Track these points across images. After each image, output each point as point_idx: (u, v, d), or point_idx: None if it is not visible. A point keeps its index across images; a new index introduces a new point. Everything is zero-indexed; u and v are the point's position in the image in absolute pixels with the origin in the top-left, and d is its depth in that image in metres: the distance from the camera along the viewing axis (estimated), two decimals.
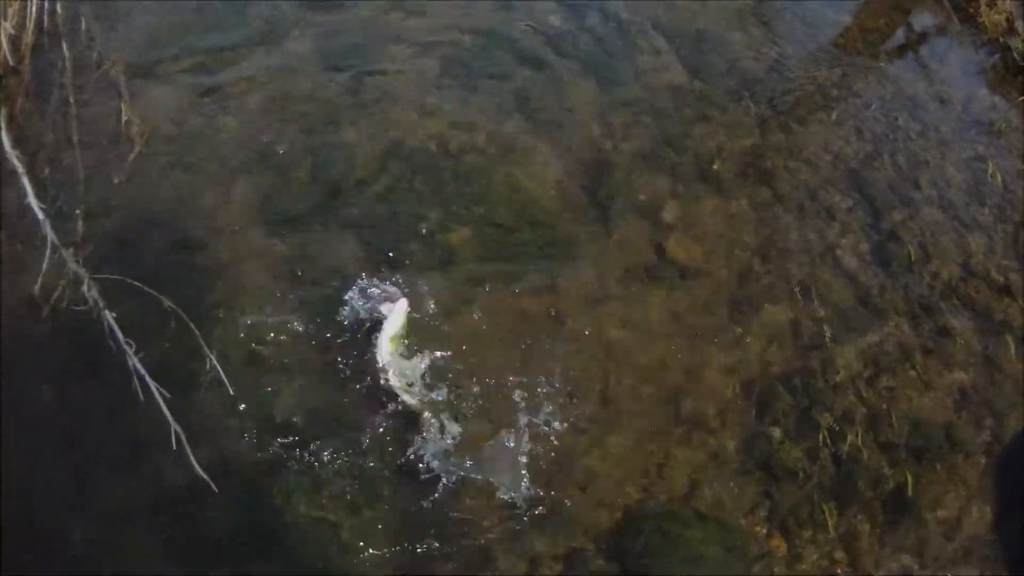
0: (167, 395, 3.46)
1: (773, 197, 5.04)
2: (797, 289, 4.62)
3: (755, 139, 5.38)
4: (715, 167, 5.08)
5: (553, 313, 4.31)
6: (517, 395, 3.97)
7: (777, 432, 4.13)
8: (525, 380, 4.04)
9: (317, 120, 4.97)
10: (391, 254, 4.34)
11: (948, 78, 6.41)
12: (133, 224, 4.34)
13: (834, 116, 5.70)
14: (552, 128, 5.14)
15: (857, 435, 4.15)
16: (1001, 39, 7.22)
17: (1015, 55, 7.04)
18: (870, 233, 5.03)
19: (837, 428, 4.18)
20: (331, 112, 5.02)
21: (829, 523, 3.92)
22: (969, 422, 4.42)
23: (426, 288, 4.23)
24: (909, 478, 4.08)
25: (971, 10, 7.26)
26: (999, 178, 5.68)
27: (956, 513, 4.10)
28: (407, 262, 4.34)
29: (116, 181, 4.52)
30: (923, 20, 7.03)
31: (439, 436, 3.77)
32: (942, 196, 5.40)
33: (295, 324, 4.05)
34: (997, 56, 6.85)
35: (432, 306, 4.18)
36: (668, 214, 4.76)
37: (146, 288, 3.71)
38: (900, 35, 6.89)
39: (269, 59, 5.25)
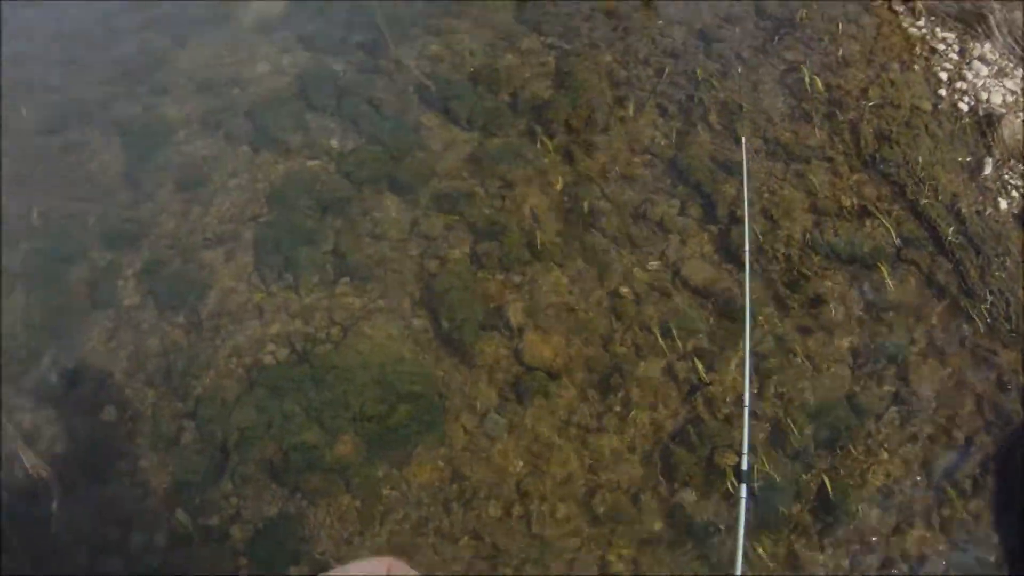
0: None
1: (604, 239, 5.82)
2: (658, 332, 5.43)
3: (566, 178, 6.13)
4: (538, 236, 5.82)
5: (452, 475, 5.13)
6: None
7: (691, 494, 5.03)
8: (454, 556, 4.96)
9: (171, 372, 5.70)
10: (299, 496, 5.19)
11: None
12: None
13: (631, 107, 6.43)
14: (375, 271, 5.86)
15: (762, 459, 5.01)
16: None
17: None
18: (709, 227, 5.82)
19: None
20: (188, 357, 5.72)
21: (764, 557, 4.85)
22: (870, 382, 5.31)
23: (344, 511, 5.08)
24: (825, 479, 5.01)
25: None
26: (818, 82, 6.47)
27: (883, 480, 5.03)
28: (313, 493, 5.15)
29: None
30: None
31: None
32: (767, 137, 6.19)
33: None
34: None
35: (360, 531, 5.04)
36: (514, 315, 5.53)
37: None
38: None
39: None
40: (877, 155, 6.20)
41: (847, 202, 5.96)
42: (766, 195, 5.95)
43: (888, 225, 5.83)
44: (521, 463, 5.16)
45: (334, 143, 6.61)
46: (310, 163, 6.47)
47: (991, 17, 7.11)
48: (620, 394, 5.32)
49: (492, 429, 5.24)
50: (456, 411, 5.33)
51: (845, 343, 5.46)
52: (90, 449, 5.53)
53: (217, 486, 5.27)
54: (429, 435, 5.25)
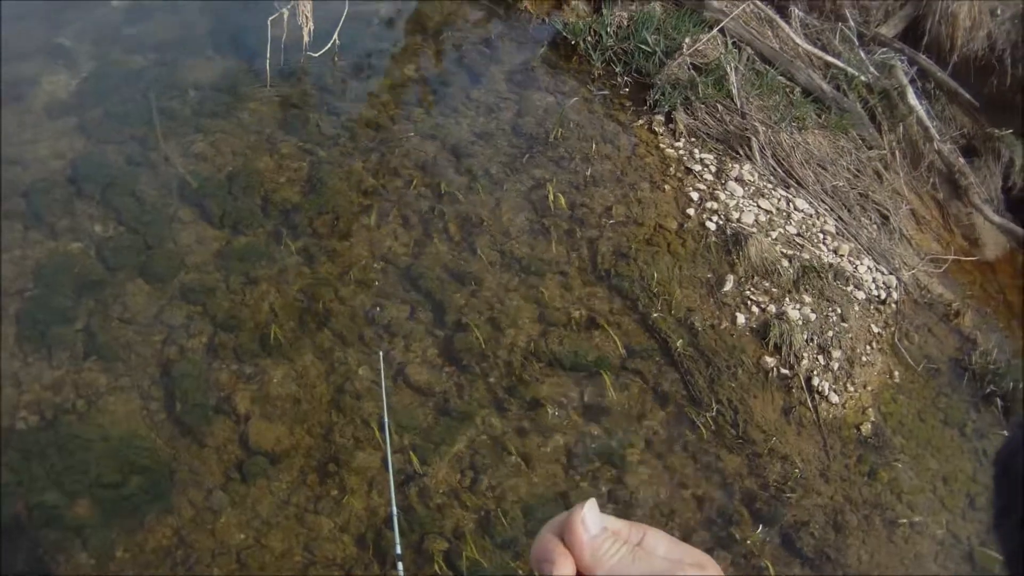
0: None
1: (334, 339, 7.37)
2: (375, 427, 6.90)
3: (304, 280, 7.72)
4: (273, 331, 7.34)
5: (179, 542, 6.45)
6: None
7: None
8: None
9: None
10: (40, 549, 6.41)
11: (493, 101, 8.99)
12: None
13: (373, 216, 8.10)
14: (121, 352, 7.28)
15: (471, 546, 6.44)
16: (547, 19, 9.87)
17: (565, 33, 9.67)
18: (436, 334, 7.39)
19: (451, 547, 6.51)
20: None
21: None
22: (584, 481, 6.83)
23: (80, 567, 6.31)
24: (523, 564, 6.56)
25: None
26: (562, 199, 8.19)
27: None
28: (53, 548, 6.37)
29: None
30: (458, 35, 9.82)
31: None
32: (502, 252, 7.81)
33: None
34: (544, 45, 9.56)
35: None
36: (242, 403, 6.99)
37: None
38: (432, 75, 9.71)
39: None
40: (612, 271, 7.89)
41: (576, 314, 7.60)
42: (496, 305, 7.58)
43: (615, 336, 7.47)
44: (242, 536, 6.52)
45: (97, 229, 8.08)
46: (73, 246, 7.93)
47: (754, 139, 8.88)
48: (335, 480, 6.84)
49: (216, 504, 6.69)
50: (184, 485, 6.71)
51: (559, 443, 7.03)
52: None
53: None
54: (158, 505, 6.59)
